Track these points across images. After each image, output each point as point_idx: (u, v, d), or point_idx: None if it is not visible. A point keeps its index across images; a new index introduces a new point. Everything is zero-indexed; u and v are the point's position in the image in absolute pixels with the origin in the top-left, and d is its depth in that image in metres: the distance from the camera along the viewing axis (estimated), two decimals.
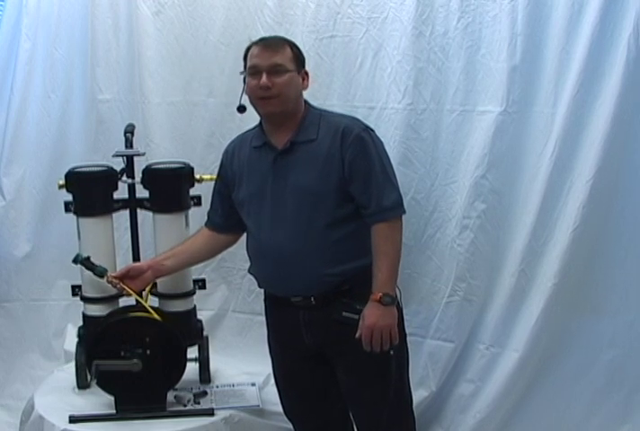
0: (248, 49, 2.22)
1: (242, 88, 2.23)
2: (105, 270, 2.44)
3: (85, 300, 2.64)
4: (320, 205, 2.15)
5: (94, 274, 2.45)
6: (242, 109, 2.26)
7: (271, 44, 2.19)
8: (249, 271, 2.36)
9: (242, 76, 2.23)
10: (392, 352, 2.22)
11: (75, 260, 2.47)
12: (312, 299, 2.21)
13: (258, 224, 2.25)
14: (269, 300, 2.37)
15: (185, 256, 2.43)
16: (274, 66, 2.15)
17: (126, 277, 2.40)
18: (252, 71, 2.18)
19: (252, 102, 2.22)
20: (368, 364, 2.23)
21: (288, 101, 2.18)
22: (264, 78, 2.14)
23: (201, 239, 2.44)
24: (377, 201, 2.15)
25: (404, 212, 2.21)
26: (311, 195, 2.15)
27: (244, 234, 2.37)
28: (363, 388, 2.28)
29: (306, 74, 2.26)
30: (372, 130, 2.22)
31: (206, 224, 2.45)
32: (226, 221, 2.40)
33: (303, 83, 2.23)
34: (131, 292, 2.39)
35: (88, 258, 2.48)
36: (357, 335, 2.15)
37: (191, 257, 2.45)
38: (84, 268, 2.48)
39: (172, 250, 2.44)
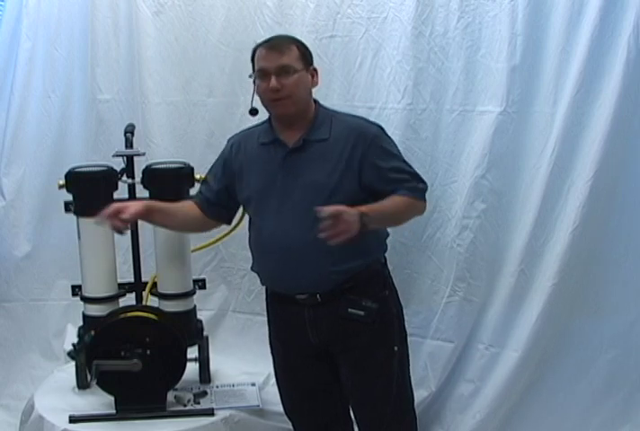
0: (255, 51, 2.21)
1: (252, 90, 2.22)
2: (84, 336, 2.49)
3: (85, 300, 2.64)
4: (331, 202, 2.11)
5: (87, 337, 2.44)
6: (254, 111, 2.26)
7: (277, 45, 2.19)
8: (252, 268, 2.35)
9: (250, 79, 2.22)
10: (396, 348, 2.25)
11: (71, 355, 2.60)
12: (318, 296, 2.21)
13: (265, 220, 2.23)
14: (271, 297, 2.36)
15: (175, 219, 2.35)
16: (282, 68, 2.15)
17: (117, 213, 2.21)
18: (260, 74, 2.18)
19: (264, 104, 2.22)
20: (372, 360, 2.24)
21: (300, 100, 2.19)
22: (273, 81, 2.14)
23: (191, 213, 2.36)
24: (416, 182, 2.21)
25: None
26: (323, 192, 2.15)
27: (245, 235, 2.36)
28: (366, 385, 2.28)
29: (315, 70, 2.25)
30: (383, 127, 2.27)
31: (195, 202, 2.38)
32: (213, 206, 2.34)
33: (312, 81, 2.24)
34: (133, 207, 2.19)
35: (69, 353, 2.59)
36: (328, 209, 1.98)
37: (179, 224, 2.38)
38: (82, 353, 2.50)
39: (165, 206, 2.33)
